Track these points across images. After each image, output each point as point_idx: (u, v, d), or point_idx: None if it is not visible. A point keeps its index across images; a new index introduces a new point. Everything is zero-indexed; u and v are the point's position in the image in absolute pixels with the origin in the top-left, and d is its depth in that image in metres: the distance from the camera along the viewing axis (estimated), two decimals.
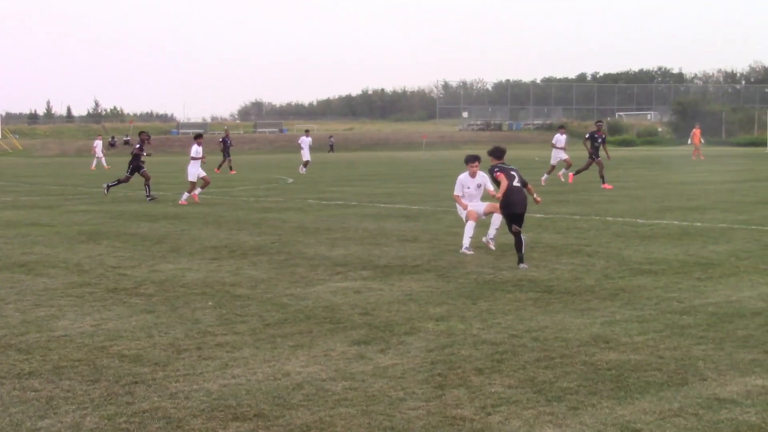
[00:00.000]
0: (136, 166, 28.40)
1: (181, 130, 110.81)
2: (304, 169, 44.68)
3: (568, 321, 9.32)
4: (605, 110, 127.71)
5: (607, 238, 16.16)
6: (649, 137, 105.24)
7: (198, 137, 27.53)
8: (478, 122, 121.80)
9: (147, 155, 28.78)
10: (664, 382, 7.05)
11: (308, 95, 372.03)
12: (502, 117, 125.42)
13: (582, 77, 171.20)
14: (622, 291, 10.98)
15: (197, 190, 26.59)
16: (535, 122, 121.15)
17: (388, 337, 8.73)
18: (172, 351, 8.28)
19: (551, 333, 8.78)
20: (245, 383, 7.17)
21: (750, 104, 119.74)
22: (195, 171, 26.39)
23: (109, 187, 28.81)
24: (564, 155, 33.48)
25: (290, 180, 38.18)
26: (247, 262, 13.81)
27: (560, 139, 33.99)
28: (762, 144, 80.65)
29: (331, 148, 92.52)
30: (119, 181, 29.15)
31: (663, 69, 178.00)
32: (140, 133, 29.60)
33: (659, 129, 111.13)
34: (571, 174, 32.06)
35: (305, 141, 46.46)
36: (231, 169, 45.61)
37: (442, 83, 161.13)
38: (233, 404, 6.62)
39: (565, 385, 6.98)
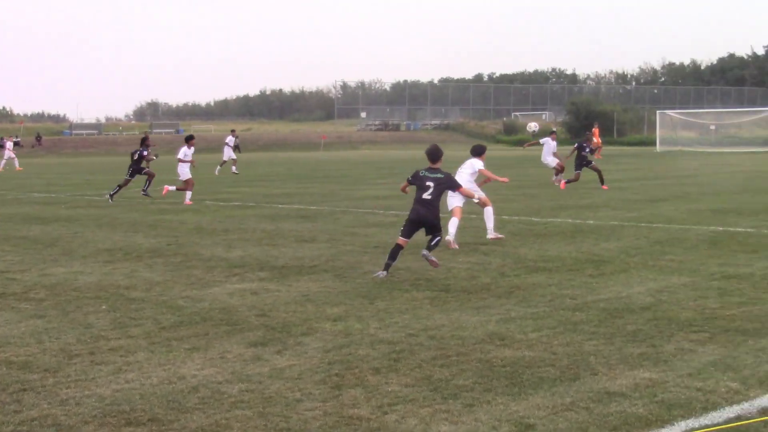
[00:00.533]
0: (136, 169, 28.18)
1: (74, 131, 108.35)
2: (235, 168, 45.10)
3: (464, 319, 9.42)
4: (501, 110, 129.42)
5: (503, 236, 16.36)
6: (544, 137, 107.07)
7: (189, 139, 27.44)
8: (377, 122, 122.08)
9: (154, 157, 28.70)
10: (557, 377, 7.18)
11: (205, 95, 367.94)
12: (400, 117, 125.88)
13: (479, 78, 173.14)
14: (517, 289, 11.14)
15: (171, 187, 26.43)
16: (433, 122, 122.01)
17: (285, 338, 8.70)
18: (63, 356, 8.10)
19: (447, 331, 8.86)
20: (139, 387, 7.06)
21: (640, 104, 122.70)
22: (186, 171, 26.38)
23: (112, 195, 28.01)
24: (553, 160, 32.95)
25: None
26: (143, 265, 13.60)
27: (551, 144, 33.39)
28: (651, 143, 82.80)
29: (237, 148, 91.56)
30: (120, 187, 28.37)
31: (557, 70, 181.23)
32: (143, 139, 29.39)
33: (554, 129, 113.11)
34: (563, 181, 31.20)
35: (231, 140, 46.58)
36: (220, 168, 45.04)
37: (341, 83, 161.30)
38: (126, 409, 6.51)
39: (461, 383, 7.06)
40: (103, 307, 10.36)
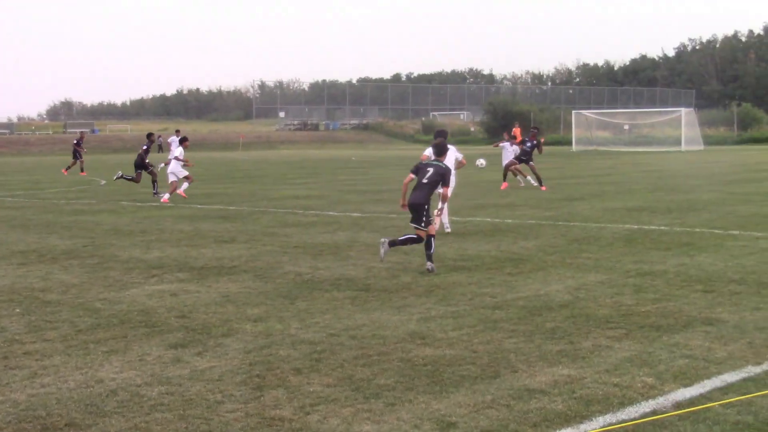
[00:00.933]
0: (140, 164, 28.65)
1: None
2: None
3: (385, 318, 9.44)
4: (420, 110, 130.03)
5: None
6: (462, 136, 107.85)
7: (184, 140, 27.96)
8: (295, 122, 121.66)
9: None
10: (477, 375, 7.24)
11: (121, 95, 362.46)
12: (319, 117, 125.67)
13: (397, 77, 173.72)
14: (437, 288, 11.21)
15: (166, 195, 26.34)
16: (351, 122, 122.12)
17: (206, 339, 8.63)
18: None
19: (369, 331, 8.88)
20: (56, 392, 6.93)
21: (556, 105, 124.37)
22: (179, 169, 26.72)
23: (122, 177, 28.81)
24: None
25: (103, 182, 37.12)
26: (58, 267, 13.35)
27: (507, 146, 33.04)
28: (567, 143, 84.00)
29: (161, 148, 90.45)
30: (131, 179, 28.80)
31: (474, 70, 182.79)
32: (149, 135, 30.76)
33: (472, 129, 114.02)
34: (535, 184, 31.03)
35: (175, 141, 46.08)
36: (82, 170, 44.15)
37: (259, 83, 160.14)
38: (42, 414, 6.38)
39: (383, 382, 7.07)
40: (17, 310, 10.14)
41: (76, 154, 45.13)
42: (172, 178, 26.72)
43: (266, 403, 6.61)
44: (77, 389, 7.00)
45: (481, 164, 27.43)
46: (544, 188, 27.78)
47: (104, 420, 6.27)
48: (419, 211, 12.78)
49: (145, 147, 29.27)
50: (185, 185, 26.90)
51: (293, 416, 6.30)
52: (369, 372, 7.38)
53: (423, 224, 12.72)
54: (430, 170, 12.99)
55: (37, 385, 7.12)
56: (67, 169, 44.08)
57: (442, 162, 13.29)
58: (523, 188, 28.61)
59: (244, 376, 7.32)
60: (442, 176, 12.99)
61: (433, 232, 12.72)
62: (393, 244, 12.86)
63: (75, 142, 46.34)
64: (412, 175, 13.18)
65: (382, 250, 12.84)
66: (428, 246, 12.61)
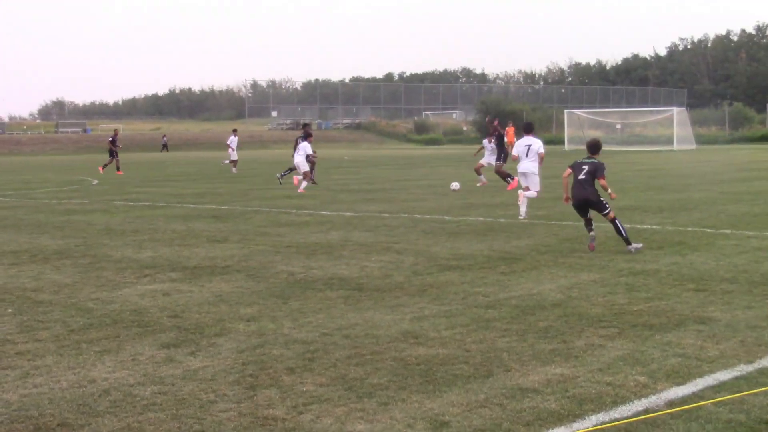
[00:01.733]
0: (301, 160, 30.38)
1: None
2: (234, 169, 44.92)
3: (378, 318, 9.44)
4: (412, 109, 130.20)
5: (415, 235, 16.47)
6: (455, 136, 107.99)
7: (309, 135, 31.24)
8: (288, 121, 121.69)
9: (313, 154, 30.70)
10: (470, 374, 7.24)
11: (113, 94, 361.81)
12: (312, 116, 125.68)
13: (389, 77, 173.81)
14: (430, 287, 11.21)
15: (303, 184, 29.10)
16: (344, 121, 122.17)
17: (198, 339, 8.62)
18: None
19: (362, 330, 8.88)
20: (48, 392, 6.91)
21: (548, 104, 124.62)
22: (304, 164, 29.83)
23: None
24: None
25: (95, 181, 37.06)
26: (50, 267, 13.33)
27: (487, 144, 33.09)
28: (560, 142, 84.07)
29: (165, 147, 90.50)
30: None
31: (467, 69, 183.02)
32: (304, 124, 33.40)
33: (464, 128, 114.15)
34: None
35: (233, 141, 46.42)
36: (118, 169, 44.08)
37: (251, 82, 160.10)
38: (35, 414, 6.37)
39: (376, 381, 7.07)
40: (9, 310, 10.12)
41: (112, 153, 45.05)
42: (304, 168, 29.63)
43: (259, 402, 6.60)
44: (70, 389, 6.99)
45: (455, 187, 27.38)
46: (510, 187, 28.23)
47: (97, 420, 6.26)
48: (588, 206, 14.29)
49: (300, 139, 31.07)
50: (304, 183, 29.04)
51: (286, 416, 6.30)
52: (362, 371, 7.37)
53: (604, 213, 14.15)
54: (585, 168, 14.38)
55: (30, 385, 7.11)
56: (103, 167, 44.12)
57: (594, 158, 14.58)
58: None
59: (237, 375, 7.31)
60: (595, 169, 14.29)
61: (613, 216, 14.15)
62: (627, 242, 13.99)
63: (110, 140, 46.26)
64: (570, 170, 14.70)
65: (633, 247, 13.94)
66: (618, 231, 14.02)
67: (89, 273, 12.72)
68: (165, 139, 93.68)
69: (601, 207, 14.18)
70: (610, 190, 14.34)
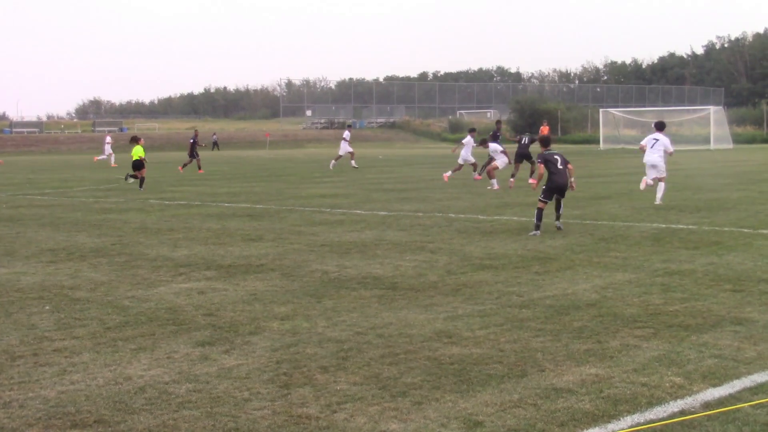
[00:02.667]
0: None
1: (14, 129, 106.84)
2: (353, 162, 45.70)
3: (412, 317, 9.44)
4: (446, 108, 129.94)
5: (449, 234, 16.45)
6: (489, 135, 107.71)
7: (472, 131, 33.70)
8: (322, 120, 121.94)
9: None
10: (504, 374, 7.23)
11: (149, 93, 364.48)
12: (346, 115, 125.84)
13: (423, 76, 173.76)
14: (464, 286, 11.19)
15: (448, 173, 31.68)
16: (378, 120, 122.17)
17: (233, 337, 8.66)
18: (6, 358, 7.97)
19: (395, 329, 8.88)
20: (85, 389, 6.97)
21: (583, 103, 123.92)
22: (469, 156, 32.32)
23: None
24: (471, 158, 33.31)
25: (131, 180, 37.32)
26: (87, 265, 13.44)
27: (470, 141, 33.51)
28: (595, 141, 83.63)
29: (216, 145, 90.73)
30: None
31: (501, 68, 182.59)
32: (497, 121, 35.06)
33: (473, 127, 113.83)
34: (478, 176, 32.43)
35: (347, 135, 47.20)
36: (199, 168, 44.50)
37: (285, 81, 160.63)
38: (72, 411, 6.43)
39: (409, 381, 7.07)
40: (47, 307, 10.22)
41: (193, 153, 45.37)
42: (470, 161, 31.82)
43: (293, 401, 6.62)
44: (106, 386, 7.04)
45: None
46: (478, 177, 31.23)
47: (132, 417, 6.31)
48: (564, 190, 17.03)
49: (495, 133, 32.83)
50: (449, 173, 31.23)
51: (320, 414, 6.31)
52: (396, 370, 7.38)
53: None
54: (558, 158, 16.96)
55: (67, 382, 7.17)
56: (182, 167, 44.50)
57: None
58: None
59: (271, 374, 7.34)
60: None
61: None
62: None
63: (191, 141, 46.61)
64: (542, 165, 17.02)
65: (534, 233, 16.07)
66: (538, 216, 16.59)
67: (125, 271, 12.82)
68: (215, 137, 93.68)
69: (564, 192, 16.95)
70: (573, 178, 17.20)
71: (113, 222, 19.75)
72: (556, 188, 16.70)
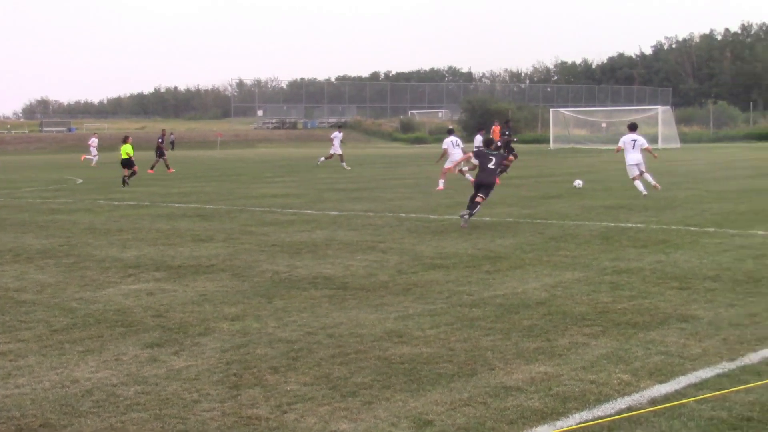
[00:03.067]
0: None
1: None
2: (344, 164, 44.78)
3: (362, 317, 9.44)
4: (398, 108, 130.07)
5: (400, 234, 16.48)
6: (440, 134, 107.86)
7: (481, 129, 33.95)
8: (273, 120, 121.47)
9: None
10: (454, 373, 7.25)
11: (98, 93, 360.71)
12: (297, 115, 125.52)
13: (375, 76, 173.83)
14: (414, 286, 11.21)
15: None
16: (330, 120, 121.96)
17: (182, 338, 8.59)
18: None
19: (346, 329, 8.87)
20: (30, 392, 6.88)
21: (534, 103, 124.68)
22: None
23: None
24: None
25: (80, 180, 36.95)
26: (33, 266, 13.27)
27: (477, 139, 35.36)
28: (545, 141, 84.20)
29: (173, 145, 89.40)
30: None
31: (453, 68, 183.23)
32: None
33: (450, 127, 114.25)
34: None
35: (337, 136, 46.73)
36: (168, 167, 44.18)
37: (237, 81, 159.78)
38: (17, 415, 6.34)
39: (360, 380, 7.07)
40: None
41: (159, 152, 45.18)
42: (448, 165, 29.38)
43: (243, 402, 6.59)
44: (52, 389, 6.96)
45: (579, 185, 27.61)
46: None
47: (79, 420, 6.23)
48: (487, 188, 18.06)
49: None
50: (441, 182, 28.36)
51: (270, 415, 6.29)
52: (346, 370, 7.37)
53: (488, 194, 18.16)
54: (492, 158, 18.21)
55: (11, 386, 7.07)
56: (151, 168, 44.21)
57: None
58: (499, 186, 28.65)
59: (221, 375, 7.30)
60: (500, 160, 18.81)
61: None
62: None
63: (159, 140, 46.59)
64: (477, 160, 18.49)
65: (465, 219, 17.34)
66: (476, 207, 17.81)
67: (73, 273, 12.68)
68: (173, 136, 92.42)
69: (491, 190, 18.17)
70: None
71: (61, 223, 19.52)
72: (479, 184, 18.00)
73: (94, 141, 56.99)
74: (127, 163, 32.73)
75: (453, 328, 8.84)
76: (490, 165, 18.03)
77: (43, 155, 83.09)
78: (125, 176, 32.65)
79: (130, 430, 6.03)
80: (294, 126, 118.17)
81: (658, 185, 24.43)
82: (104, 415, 6.32)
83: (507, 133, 36.21)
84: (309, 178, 36.02)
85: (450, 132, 32.13)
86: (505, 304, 9.99)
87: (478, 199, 17.73)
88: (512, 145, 32.94)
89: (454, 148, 30.05)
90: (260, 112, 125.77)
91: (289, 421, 6.16)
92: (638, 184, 24.23)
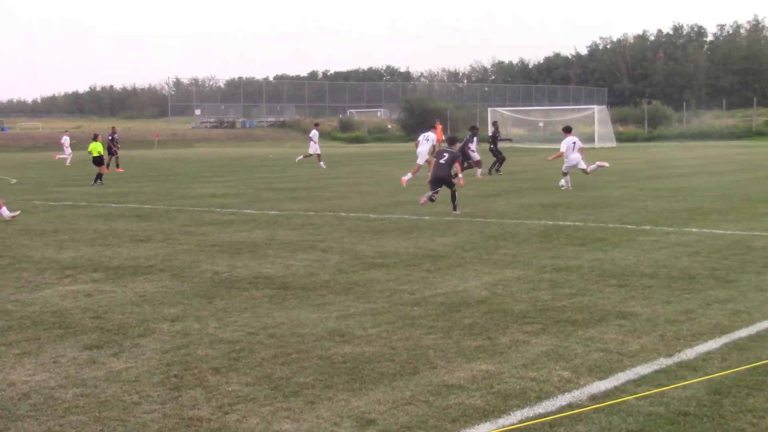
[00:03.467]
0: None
1: None
2: (322, 163, 43.74)
3: (304, 316, 9.42)
4: (337, 108, 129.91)
5: (340, 233, 16.47)
6: (379, 134, 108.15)
7: (432, 127, 34.90)
8: (211, 120, 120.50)
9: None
10: (396, 372, 7.27)
11: (32, 92, 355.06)
12: (236, 114, 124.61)
13: (313, 75, 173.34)
14: (356, 285, 11.22)
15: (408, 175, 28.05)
16: (269, 119, 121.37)
17: (122, 340, 8.50)
18: None
19: (287, 329, 8.85)
20: None
21: (472, 102, 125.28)
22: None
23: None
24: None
25: (14, 180, 36.33)
26: None
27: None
28: (483, 141, 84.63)
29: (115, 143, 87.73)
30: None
31: (391, 68, 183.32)
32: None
33: (389, 126, 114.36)
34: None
35: (315, 135, 46.04)
36: (117, 166, 43.72)
37: (174, 80, 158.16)
38: None
39: (302, 380, 7.06)
40: None
41: (110, 151, 44.68)
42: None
43: (184, 403, 6.54)
44: None
45: (600, 166, 28.55)
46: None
47: (16, 424, 6.14)
48: (443, 182, 19.99)
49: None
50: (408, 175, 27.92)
51: (212, 416, 6.25)
52: (288, 370, 7.35)
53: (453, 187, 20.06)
54: (446, 155, 20.14)
55: None
56: (106, 167, 43.68)
57: (452, 149, 20.86)
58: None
59: (162, 376, 7.24)
60: (453, 157, 20.33)
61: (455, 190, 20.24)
62: None
63: (109, 138, 46.12)
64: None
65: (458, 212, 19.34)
66: (454, 199, 20.12)
67: (8, 274, 12.47)
68: (116, 135, 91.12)
69: (450, 183, 19.79)
70: (460, 175, 20.83)
71: None
72: (435, 179, 20.01)
73: (66, 139, 56.04)
74: (97, 161, 33.46)
75: (394, 327, 8.86)
76: (441, 161, 19.90)
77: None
78: (100, 173, 33.02)
79: None
80: (232, 125, 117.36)
81: (604, 163, 28.46)
82: (42, 419, 6.23)
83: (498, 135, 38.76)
84: (248, 177, 35.81)
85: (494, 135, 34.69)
86: (446, 302, 10.04)
87: (434, 196, 20.21)
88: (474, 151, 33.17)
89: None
90: (198, 112, 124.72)
91: (231, 422, 6.13)
92: (567, 179, 26.71)
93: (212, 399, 6.62)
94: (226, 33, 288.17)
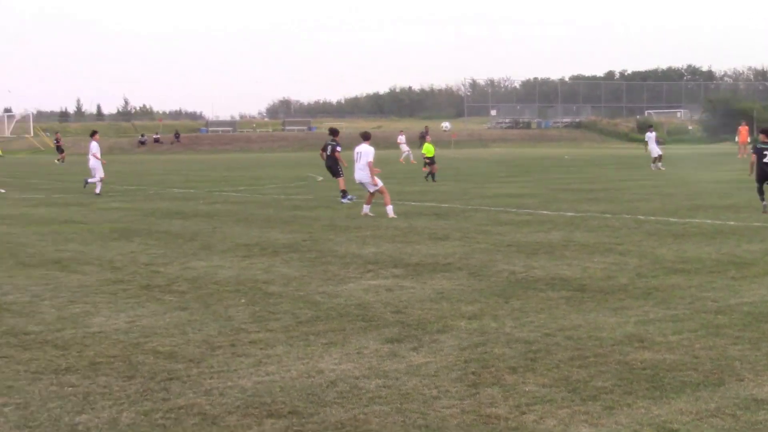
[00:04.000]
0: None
1: (210, 129, 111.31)
2: (660, 164, 44.34)
3: (601, 320, 9.27)
4: (634, 108, 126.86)
5: (639, 236, 16.07)
6: (679, 135, 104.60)
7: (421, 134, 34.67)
8: (507, 120, 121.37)
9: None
10: (700, 382, 6.99)
11: (336, 93, 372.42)
12: (531, 115, 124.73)
13: (610, 75, 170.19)
14: (655, 290, 10.90)
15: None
16: (564, 120, 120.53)
17: (421, 335, 8.73)
18: (205, 348, 8.31)
19: (585, 332, 8.74)
20: (279, 380, 7.18)
21: None
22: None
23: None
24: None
25: (320, 178, 38.21)
26: (279, 260, 13.84)
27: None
28: None
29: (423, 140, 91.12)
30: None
31: (692, 67, 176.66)
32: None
33: (690, 127, 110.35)
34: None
35: (402, 138, 50.72)
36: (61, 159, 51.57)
37: (470, 81, 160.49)
38: (268, 401, 6.63)
39: (600, 385, 6.94)
40: (243, 300, 10.59)
41: (59, 149, 52.04)
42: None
43: (482, 400, 6.61)
44: (299, 378, 7.23)
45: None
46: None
47: (324, 410, 6.45)
48: (764, 179, 20.06)
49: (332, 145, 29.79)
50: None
51: (509, 415, 6.28)
52: (586, 374, 7.26)
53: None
54: (766, 154, 19.91)
55: (262, 373, 7.41)
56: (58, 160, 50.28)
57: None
58: (743, 189, 27.38)
59: (460, 372, 7.36)
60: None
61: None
62: None
63: (56, 141, 53.92)
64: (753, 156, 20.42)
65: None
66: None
67: (316, 267, 13.13)
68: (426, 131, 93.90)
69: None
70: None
71: (303, 219, 20.27)
72: (760, 178, 20.28)
73: (402, 138, 58.99)
74: (432, 161, 36.31)
75: (697, 335, 8.53)
76: (765, 159, 20.04)
77: (285, 153, 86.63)
78: (433, 173, 35.58)
79: (373, 422, 6.18)
80: (528, 126, 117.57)
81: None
82: (348, 406, 6.51)
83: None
84: (543, 178, 35.72)
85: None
86: (754, 312, 9.53)
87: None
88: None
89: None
90: (494, 112, 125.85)
91: (529, 422, 6.13)
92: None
93: (509, 398, 6.65)
94: (522, 34, 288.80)
